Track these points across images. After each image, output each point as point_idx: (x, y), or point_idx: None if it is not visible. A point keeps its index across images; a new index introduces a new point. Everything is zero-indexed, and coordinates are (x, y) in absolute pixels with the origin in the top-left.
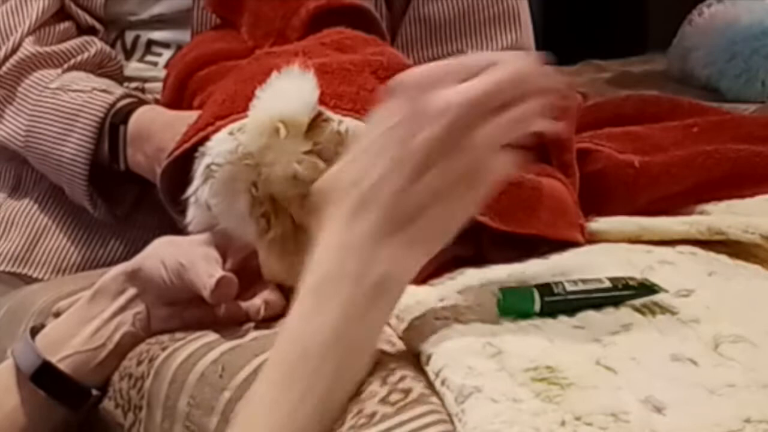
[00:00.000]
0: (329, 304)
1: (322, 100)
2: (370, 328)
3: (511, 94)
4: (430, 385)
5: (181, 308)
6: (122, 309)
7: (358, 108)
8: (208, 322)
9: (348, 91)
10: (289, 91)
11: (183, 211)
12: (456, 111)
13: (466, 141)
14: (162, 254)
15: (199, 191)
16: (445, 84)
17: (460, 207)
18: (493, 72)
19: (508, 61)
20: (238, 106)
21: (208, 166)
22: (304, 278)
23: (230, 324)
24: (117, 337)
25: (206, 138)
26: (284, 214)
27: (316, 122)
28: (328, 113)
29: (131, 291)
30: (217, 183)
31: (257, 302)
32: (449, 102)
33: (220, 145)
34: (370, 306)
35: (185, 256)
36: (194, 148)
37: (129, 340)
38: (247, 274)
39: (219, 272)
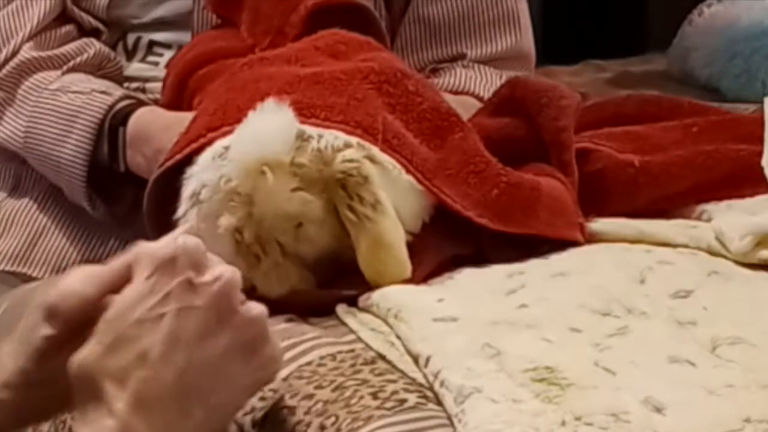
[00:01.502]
0: None
1: (312, 112)
2: None
3: None
4: (423, 396)
5: None
6: None
7: (348, 119)
8: None
9: (338, 102)
10: (268, 131)
11: (163, 221)
12: (223, 284)
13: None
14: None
15: (189, 215)
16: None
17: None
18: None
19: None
20: (229, 118)
21: (194, 194)
22: None
23: None
24: None
25: (199, 149)
26: (272, 247)
27: (297, 141)
28: (308, 129)
29: None
30: (201, 218)
31: None
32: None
33: (204, 172)
34: None
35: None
36: (186, 158)
37: None
38: None
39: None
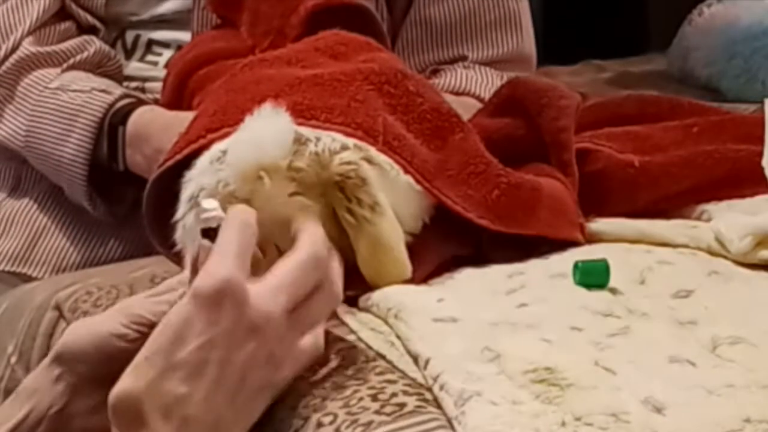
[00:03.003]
0: None
1: (312, 114)
2: None
3: (311, 286)
4: (423, 399)
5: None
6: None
7: (349, 121)
8: None
9: (339, 104)
10: (265, 136)
11: (162, 222)
12: (270, 325)
13: (282, 349)
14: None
15: (186, 217)
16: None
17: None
18: (292, 271)
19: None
20: (229, 119)
21: (192, 197)
22: None
23: None
24: None
25: (198, 150)
26: (270, 249)
27: (294, 146)
28: (305, 132)
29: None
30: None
31: None
32: (264, 318)
33: (201, 176)
34: None
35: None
36: (185, 159)
37: None
38: None
39: None
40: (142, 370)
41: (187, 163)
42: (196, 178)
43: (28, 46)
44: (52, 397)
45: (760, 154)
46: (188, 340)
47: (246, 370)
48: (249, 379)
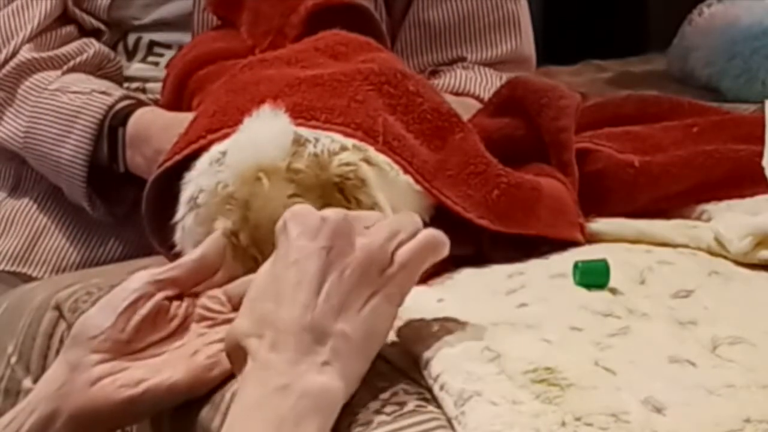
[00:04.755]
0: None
1: (312, 114)
2: None
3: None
4: (423, 399)
5: None
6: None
7: (348, 122)
8: None
9: (339, 104)
10: (264, 138)
11: (162, 223)
12: (370, 248)
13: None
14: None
15: (186, 219)
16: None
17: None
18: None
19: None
20: (229, 120)
21: (192, 198)
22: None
23: None
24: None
25: (198, 151)
26: (269, 249)
27: (293, 147)
28: (305, 133)
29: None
30: (199, 222)
31: None
32: (330, 213)
33: (200, 178)
34: (298, 419)
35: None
36: (185, 160)
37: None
38: None
39: None
40: (239, 314)
41: (187, 163)
42: (196, 180)
43: (28, 52)
44: (47, 382)
45: (760, 154)
46: (269, 270)
47: (343, 269)
48: (351, 280)
